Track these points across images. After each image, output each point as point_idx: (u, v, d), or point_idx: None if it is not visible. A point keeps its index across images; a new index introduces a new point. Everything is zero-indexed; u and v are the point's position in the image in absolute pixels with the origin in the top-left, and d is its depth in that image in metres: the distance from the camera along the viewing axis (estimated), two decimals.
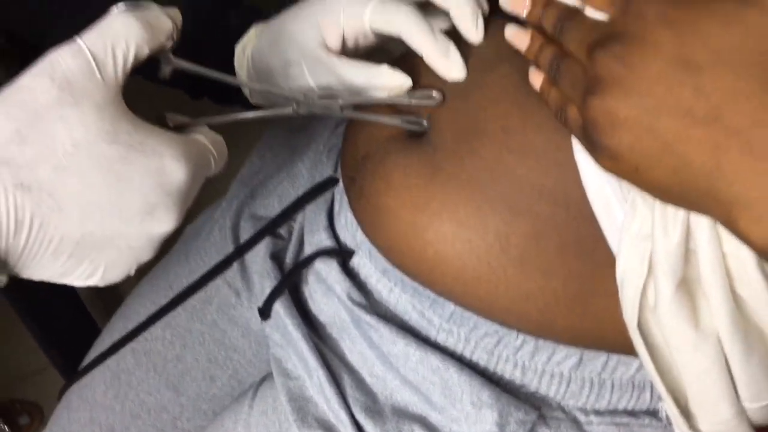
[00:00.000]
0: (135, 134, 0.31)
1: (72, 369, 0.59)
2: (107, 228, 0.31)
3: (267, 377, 0.53)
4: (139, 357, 0.55)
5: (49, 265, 0.31)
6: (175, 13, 0.34)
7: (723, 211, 0.29)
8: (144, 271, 0.62)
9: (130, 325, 0.56)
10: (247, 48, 0.46)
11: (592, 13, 0.32)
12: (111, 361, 0.56)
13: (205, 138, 0.36)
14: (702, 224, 0.32)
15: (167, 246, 0.59)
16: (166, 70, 0.36)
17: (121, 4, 0.32)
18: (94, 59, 0.30)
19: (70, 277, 0.33)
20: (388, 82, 0.41)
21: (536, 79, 0.37)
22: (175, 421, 0.55)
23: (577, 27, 0.32)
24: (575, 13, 0.33)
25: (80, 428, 0.55)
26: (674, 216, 0.32)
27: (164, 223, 0.33)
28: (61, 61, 0.30)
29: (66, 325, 0.94)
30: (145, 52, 0.32)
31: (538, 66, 0.36)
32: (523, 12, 0.37)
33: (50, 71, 0.29)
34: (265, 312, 0.49)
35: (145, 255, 0.34)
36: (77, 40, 0.30)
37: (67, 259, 0.31)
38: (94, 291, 1.07)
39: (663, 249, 0.33)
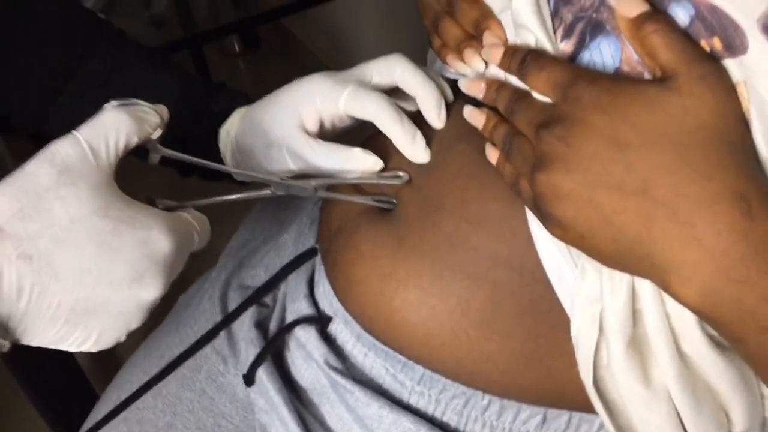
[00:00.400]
0: (125, 210, 0.35)
1: None
2: (99, 294, 0.34)
3: None
4: (131, 426, 0.56)
5: (47, 330, 0.34)
6: (162, 109, 0.38)
7: (658, 274, 0.32)
8: (141, 338, 0.64)
9: (123, 395, 0.57)
10: (231, 130, 0.50)
11: (539, 96, 0.36)
12: (105, 431, 0.56)
13: (190, 216, 0.39)
14: (645, 286, 0.35)
15: (160, 315, 0.61)
16: (153, 158, 0.40)
17: (113, 102, 0.37)
18: (90, 148, 0.34)
19: (66, 343, 0.35)
20: (360, 164, 0.45)
21: (492, 154, 0.40)
22: None
23: (526, 109, 0.36)
24: (525, 96, 0.37)
25: None
26: (620, 278, 0.35)
27: (151, 290, 0.36)
28: (60, 150, 0.34)
29: (65, 393, 0.95)
30: (134, 141, 0.36)
31: (493, 143, 0.40)
32: (479, 94, 0.41)
33: (50, 158, 0.34)
34: (249, 378, 0.51)
35: (135, 321, 0.37)
36: (74, 132, 0.35)
37: (62, 325, 0.34)
38: (93, 360, 1.08)
39: (611, 310, 0.35)
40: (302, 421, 0.47)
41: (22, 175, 0.34)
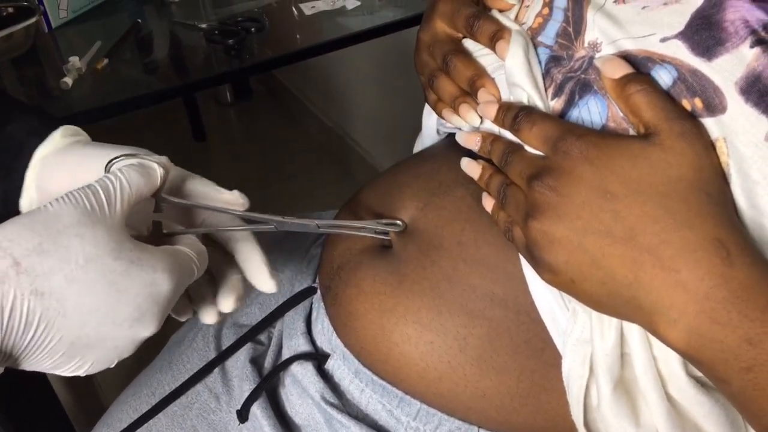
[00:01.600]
0: (135, 251, 0.37)
1: None
2: (100, 332, 0.35)
3: None
4: None
5: (45, 360, 0.35)
6: (164, 161, 0.41)
7: (645, 317, 0.33)
8: (129, 376, 0.64)
9: None
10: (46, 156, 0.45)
11: (531, 149, 0.38)
12: None
13: (191, 248, 0.41)
14: (633, 330, 0.36)
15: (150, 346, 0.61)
16: (160, 207, 0.42)
17: (122, 157, 0.40)
18: (106, 199, 0.37)
19: (60, 370, 0.36)
20: (229, 199, 0.44)
21: (488, 203, 0.42)
22: None
23: (518, 161, 0.38)
24: (518, 149, 0.39)
25: None
26: (609, 322, 0.37)
27: (148, 328, 0.37)
28: (83, 196, 0.36)
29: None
30: (145, 195, 0.39)
31: (489, 192, 0.42)
32: (475, 146, 0.43)
33: (74, 202, 0.35)
34: (243, 414, 0.51)
35: (127, 353, 0.38)
36: (95, 183, 0.37)
37: (59, 357, 0.35)
38: (75, 398, 1.06)
39: (601, 352, 0.37)
40: None
41: (45, 212, 0.35)
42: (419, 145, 0.58)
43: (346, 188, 1.97)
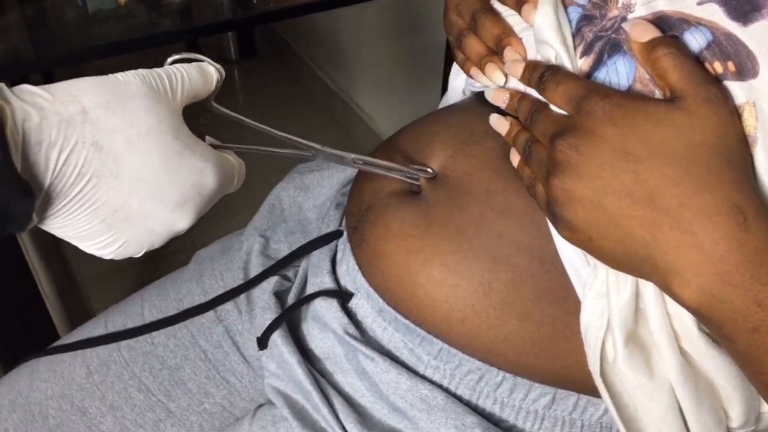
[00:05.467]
0: (191, 138, 0.38)
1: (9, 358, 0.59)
2: (145, 206, 0.37)
3: (262, 405, 0.56)
4: (135, 355, 0.57)
5: (81, 223, 0.36)
6: (221, 68, 0.42)
7: (660, 276, 0.35)
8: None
9: (131, 324, 0.58)
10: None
11: (556, 108, 0.39)
12: (101, 350, 0.58)
13: (233, 159, 0.42)
14: (648, 287, 0.38)
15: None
16: (208, 117, 0.43)
17: (176, 56, 0.40)
18: (170, 85, 0.38)
19: (89, 242, 0.37)
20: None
21: (514, 158, 0.43)
22: (158, 423, 0.56)
23: (543, 119, 0.39)
24: (543, 107, 0.40)
25: (43, 398, 0.56)
26: (625, 278, 0.38)
27: (186, 219, 0.39)
28: (151, 75, 0.37)
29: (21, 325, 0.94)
30: (201, 96, 0.40)
31: (515, 148, 0.43)
32: (502, 104, 0.44)
33: (142, 77, 0.37)
34: (263, 341, 0.52)
35: (158, 243, 0.39)
36: (159, 69, 0.38)
37: (98, 223, 0.36)
38: (63, 303, 1.06)
39: (616, 306, 0.38)
40: (315, 381, 0.49)
41: (114, 78, 0.36)
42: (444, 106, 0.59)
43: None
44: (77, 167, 0.34)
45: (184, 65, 0.39)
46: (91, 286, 1.32)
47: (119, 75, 0.36)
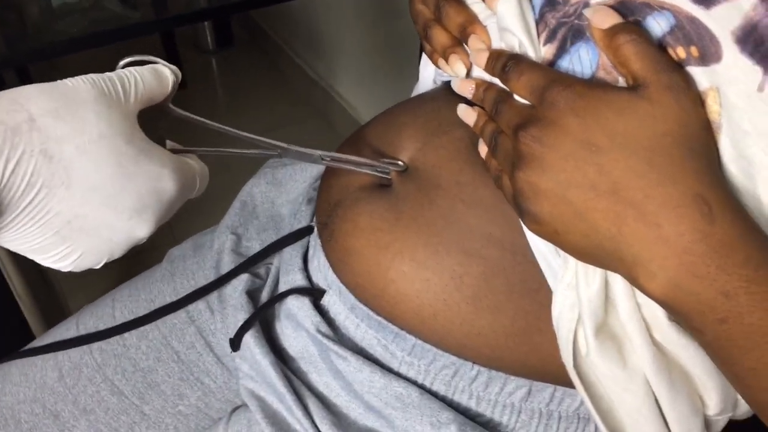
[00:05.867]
0: (145, 143, 0.37)
1: None
2: (100, 215, 0.35)
3: (238, 408, 0.56)
4: (107, 358, 0.56)
5: (33, 236, 0.34)
6: (176, 69, 0.40)
7: (626, 269, 0.34)
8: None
9: (102, 325, 0.58)
10: None
11: (520, 98, 0.38)
12: (73, 353, 0.57)
13: (195, 163, 0.41)
14: (617, 277, 0.37)
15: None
16: (165, 120, 0.41)
17: (128, 58, 0.39)
18: (122, 88, 0.37)
19: (44, 255, 0.36)
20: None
21: (482, 149, 0.42)
22: (133, 426, 0.56)
23: (507, 110, 0.38)
24: (507, 97, 0.39)
25: (15, 402, 0.55)
26: (593, 270, 0.38)
27: (145, 227, 0.37)
28: (101, 80, 0.36)
29: None
30: (157, 99, 0.39)
31: (483, 139, 0.42)
32: (468, 94, 0.43)
33: (92, 82, 0.36)
34: (236, 343, 0.52)
35: (118, 252, 0.38)
36: (111, 73, 0.37)
37: (51, 235, 0.35)
38: (38, 303, 1.05)
39: (585, 298, 0.38)
40: (289, 383, 0.48)
41: (63, 84, 0.35)
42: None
43: (328, 141, 1.97)
44: (26, 178, 0.32)
45: (138, 68, 0.38)
46: (68, 284, 1.30)
47: (68, 80, 0.35)
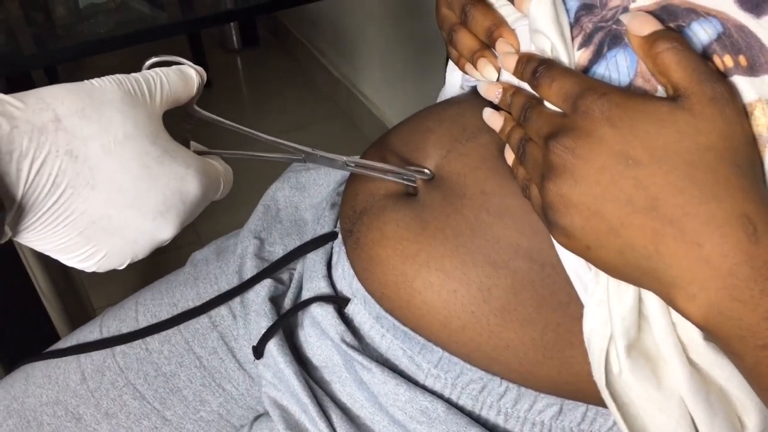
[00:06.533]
0: (171, 143, 0.37)
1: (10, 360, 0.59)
2: (124, 216, 0.35)
3: (260, 416, 0.55)
4: (130, 361, 0.56)
5: (58, 236, 0.34)
6: (202, 71, 0.40)
7: (663, 289, 0.33)
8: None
9: (125, 328, 0.57)
10: None
11: (551, 106, 0.36)
12: (96, 355, 0.57)
13: (219, 165, 0.41)
14: (651, 295, 0.36)
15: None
16: (191, 122, 0.41)
17: (155, 58, 0.39)
18: (148, 89, 0.37)
19: (69, 255, 0.36)
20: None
21: (509, 156, 0.41)
22: (155, 431, 0.56)
23: (537, 117, 0.37)
24: (537, 104, 0.38)
25: (38, 404, 0.55)
26: (626, 286, 0.36)
27: (169, 229, 0.37)
28: (127, 80, 0.36)
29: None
30: (182, 101, 0.39)
31: (510, 145, 0.40)
32: (495, 98, 0.42)
33: (118, 82, 0.36)
34: (259, 350, 0.51)
35: (142, 254, 0.38)
36: (137, 74, 0.37)
37: (76, 235, 0.35)
38: (62, 303, 1.06)
39: (617, 314, 0.36)
40: (312, 393, 0.48)
41: (90, 84, 0.35)
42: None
43: (352, 141, 1.96)
44: (51, 177, 0.32)
45: (163, 69, 0.38)
46: (91, 284, 1.31)
47: (95, 81, 0.35)
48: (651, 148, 0.32)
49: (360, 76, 1.91)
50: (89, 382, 0.56)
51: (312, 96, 2.08)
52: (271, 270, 0.56)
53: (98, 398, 0.55)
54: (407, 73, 1.66)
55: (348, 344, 0.47)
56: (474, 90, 0.50)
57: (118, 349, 0.57)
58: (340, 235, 0.52)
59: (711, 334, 0.32)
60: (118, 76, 0.36)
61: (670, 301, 0.33)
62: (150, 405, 0.56)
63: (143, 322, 0.58)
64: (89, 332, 0.59)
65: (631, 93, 0.34)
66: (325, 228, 0.57)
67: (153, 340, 0.57)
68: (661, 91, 0.35)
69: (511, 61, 0.39)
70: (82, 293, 1.22)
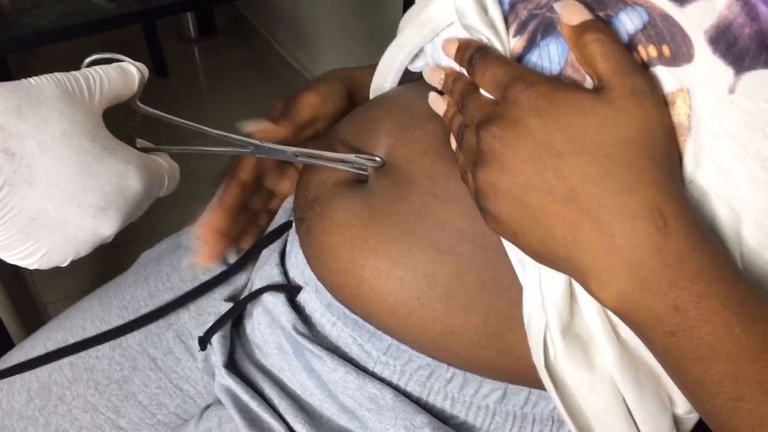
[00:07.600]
0: (110, 140, 0.37)
1: None
2: (64, 212, 0.35)
3: (210, 405, 0.55)
4: (78, 372, 0.55)
5: None
6: (143, 67, 0.40)
7: (580, 276, 0.34)
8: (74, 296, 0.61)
9: (71, 339, 0.55)
10: None
11: (485, 93, 0.37)
12: (41, 371, 0.55)
13: (164, 162, 0.41)
14: None
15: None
16: (135, 119, 0.41)
17: (95, 56, 0.39)
18: (87, 87, 0.37)
19: (9, 253, 0.36)
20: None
21: (453, 141, 0.41)
22: None
23: (473, 104, 0.38)
24: (474, 90, 0.38)
25: None
26: (556, 271, 0.37)
27: (111, 225, 0.37)
28: (65, 78, 0.36)
29: None
30: (122, 98, 0.39)
31: (451, 131, 0.41)
32: (438, 83, 0.42)
33: (55, 80, 0.35)
34: (204, 341, 0.51)
35: (84, 250, 0.38)
36: (75, 72, 0.37)
37: (15, 233, 0.35)
38: (16, 311, 1.04)
39: (549, 300, 0.38)
40: (262, 380, 0.48)
41: (26, 82, 0.35)
42: None
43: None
44: None
45: (104, 66, 0.38)
46: (42, 282, 1.28)
47: (32, 79, 0.35)
48: (572, 139, 0.32)
49: (319, 67, 1.90)
50: (36, 401, 0.54)
51: (271, 87, 2.06)
52: (229, 274, 0.55)
53: (46, 417, 0.54)
54: (365, 64, 1.66)
55: (299, 332, 0.47)
56: (422, 77, 0.50)
57: (65, 360, 0.55)
58: (294, 224, 0.52)
59: (624, 320, 0.34)
60: (57, 74, 0.36)
61: (586, 288, 0.34)
62: (103, 415, 0.54)
63: (91, 330, 0.56)
64: (31, 348, 0.57)
65: (558, 84, 0.34)
66: (282, 219, 0.57)
67: (103, 346, 0.55)
68: (589, 82, 0.36)
69: (452, 47, 0.40)
70: (32, 290, 1.19)
